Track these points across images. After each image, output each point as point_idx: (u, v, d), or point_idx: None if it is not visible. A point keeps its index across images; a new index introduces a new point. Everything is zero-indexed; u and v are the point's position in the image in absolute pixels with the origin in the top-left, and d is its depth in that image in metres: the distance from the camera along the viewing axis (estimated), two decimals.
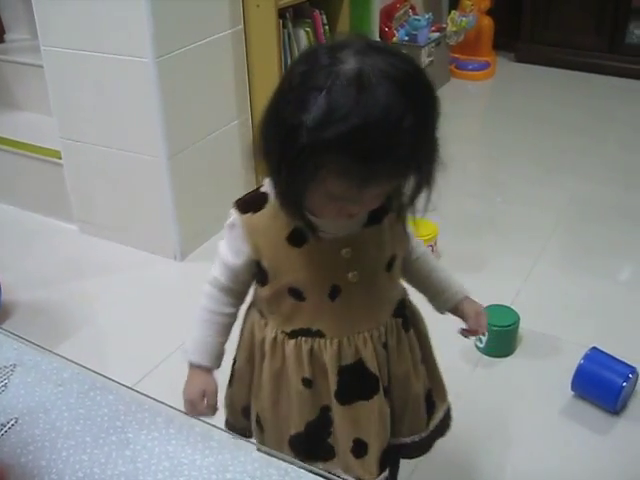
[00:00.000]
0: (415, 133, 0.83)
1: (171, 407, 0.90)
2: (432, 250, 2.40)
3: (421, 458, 1.31)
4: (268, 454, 0.83)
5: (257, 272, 1.07)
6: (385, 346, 1.13)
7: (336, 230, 1.01)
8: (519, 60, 4.43)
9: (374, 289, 1.08)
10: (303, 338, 1.08)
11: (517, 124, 3.65)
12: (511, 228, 2.72)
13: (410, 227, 1.09)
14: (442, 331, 2.14)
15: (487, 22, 4.20)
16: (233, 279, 1.08)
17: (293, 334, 1.09)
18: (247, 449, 0.83)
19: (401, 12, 3.82)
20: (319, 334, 1.08)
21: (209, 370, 1.12)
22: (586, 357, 1.85)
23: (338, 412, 1.12)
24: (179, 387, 1.11)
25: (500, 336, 2.03)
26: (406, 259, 1.17)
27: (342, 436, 1.14)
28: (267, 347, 1.11)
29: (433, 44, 3.83)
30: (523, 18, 4.35)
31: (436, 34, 3.89)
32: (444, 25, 4.04)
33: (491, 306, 2.07)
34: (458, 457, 1.73)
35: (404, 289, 1.21)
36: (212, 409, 1.12)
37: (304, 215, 0.95)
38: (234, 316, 1.14)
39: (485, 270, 2.46)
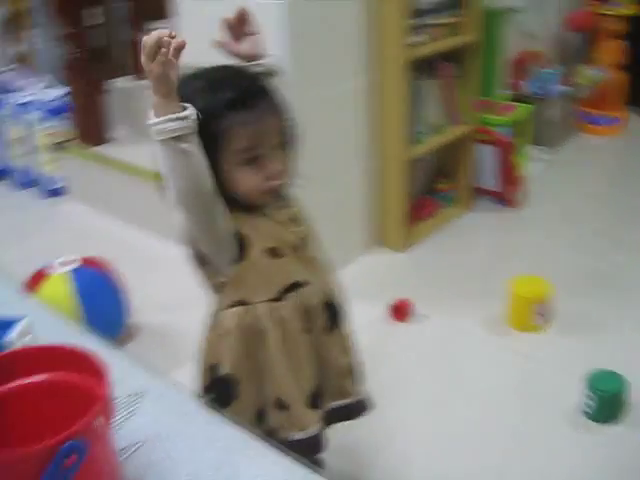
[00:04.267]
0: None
1: (279, 448, 0.97)
2: (545, 308, 2.40)
3: None
4: None
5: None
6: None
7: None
8: None
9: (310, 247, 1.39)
10: (292, 294, 1.32)
11: None
12: (631, 290, 2.66)
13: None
14: (544, 391, 2.11)
15: (619, 77, 4.12)
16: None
17: (280, 296, 1.31)
18: None
19: (531, 64, 3.82)
20: (307, 283, 1.34)
21: None
22: None
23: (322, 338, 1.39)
24: None
25: (608, 402, 1.99)
26: None
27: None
28: (266, 325, 1.30)
29: (562, 97, 3.81)
30: None
31: (566, 87, 3.86)
32: (574, 78, 4.00)
33: (599, 371, 2.05)
34: None
35: None
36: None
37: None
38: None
39: (600, 332, 2.42)
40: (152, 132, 1.13)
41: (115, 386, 1.11)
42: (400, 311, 2.51)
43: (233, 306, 1.31)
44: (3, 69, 3.76)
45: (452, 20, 2.90)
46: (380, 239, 3.02)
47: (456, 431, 2.01)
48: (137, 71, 3.45)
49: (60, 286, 2.24)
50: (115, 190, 3.30)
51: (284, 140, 1.29)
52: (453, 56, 2.99)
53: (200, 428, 1.01)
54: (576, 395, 2.06)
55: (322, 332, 1.38)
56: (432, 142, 3.01)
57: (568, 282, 2.63)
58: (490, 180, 3.28)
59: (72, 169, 3.52)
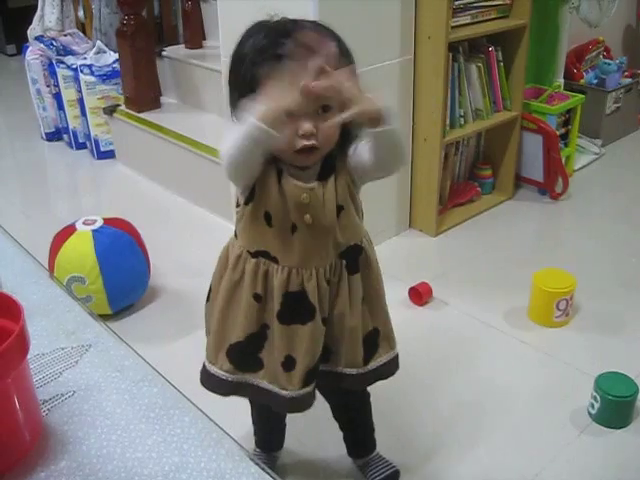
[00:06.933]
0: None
1: (203, 412, 0.98)
2: (567, 304, 2.33)
3: None
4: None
5: (249, 192, 1.30)
6: (329, 282, 1.34)
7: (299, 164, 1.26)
8: None
9: (323, 232, 1.31)
10: (262, 259, 1.32)
11: None
12: None
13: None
14: (554, 387, 2.07)
15: None
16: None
17: (255, 254, 1.33)
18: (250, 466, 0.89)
19: (593, 54, 3.69)
20: (275, 260, 1.32)
21: None
22: None
23: (277, 330, 1.36)
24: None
25: (613, 406, 1.93)
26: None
27: (277, 351, 1.37)
28: (231, 260, 1.36)
29: (622, 90, 3.66)
30: None
31: (628, 80, 3.71)
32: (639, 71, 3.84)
33: (611, 373, 1.99)
34: None
35: (362, 237, 1.39)
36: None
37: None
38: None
39: (620, 334, 2.34)
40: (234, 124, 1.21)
41: (66, 337, 1.15)
42: (418, 295, 2.48)
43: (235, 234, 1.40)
44: (63, 32, 3.87)
45: (500, 2, 2.81)
46: (413, 222, 2.99)
47: (454, 417, 1.99)
48: (186, 41, 3.51)
49: (82, 244, 2.31)
50: (157, 155, 3.36)
51: (335, 104, 1.21)
52: (501, 40, 2.91)
53: (132, 384, 1.03)
54: (586, 394, 2.01)
55: (275, 316, 1.35)
56: (473, 127, 2.95)
57: (596, 279, 2.56)
58: (534, 169, 3.19)
59: (120, 133, 3.61)
